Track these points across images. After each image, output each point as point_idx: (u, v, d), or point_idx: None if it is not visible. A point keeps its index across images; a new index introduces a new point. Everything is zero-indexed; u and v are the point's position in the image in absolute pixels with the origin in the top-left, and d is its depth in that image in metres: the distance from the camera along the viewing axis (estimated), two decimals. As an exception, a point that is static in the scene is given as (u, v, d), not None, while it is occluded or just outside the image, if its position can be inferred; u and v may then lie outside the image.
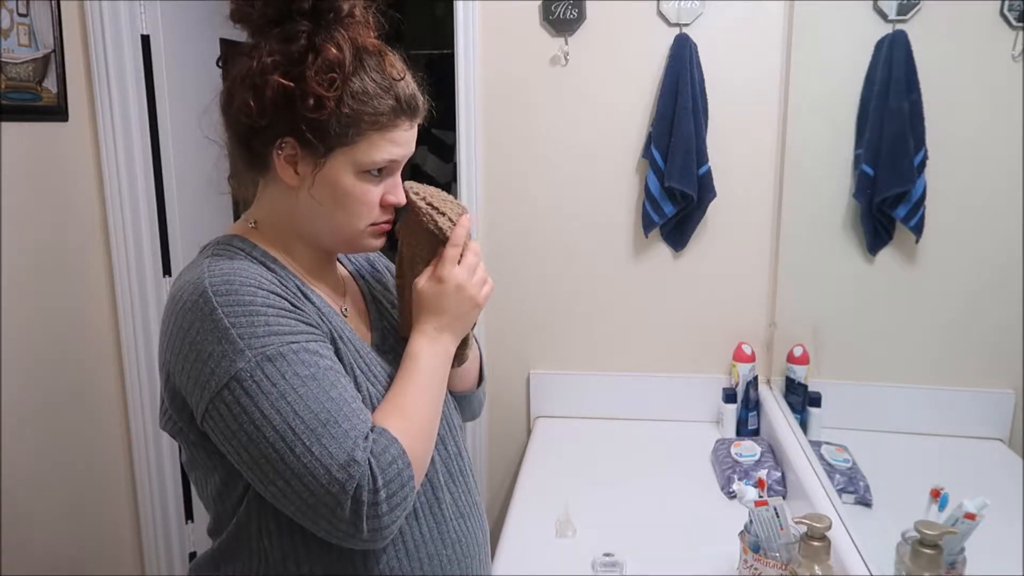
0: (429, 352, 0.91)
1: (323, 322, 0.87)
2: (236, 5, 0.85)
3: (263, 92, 0.82)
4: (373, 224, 0.90)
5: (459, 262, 0.92)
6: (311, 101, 0.81)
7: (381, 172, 0.88)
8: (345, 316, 0.95)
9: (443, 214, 0.93)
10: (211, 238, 0.93)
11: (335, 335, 0.88)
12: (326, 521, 0.77)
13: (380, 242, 0.94)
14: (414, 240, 0.95)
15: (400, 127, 0.86)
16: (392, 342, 0.99)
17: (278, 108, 0.82)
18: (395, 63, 0.87)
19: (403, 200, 0.92)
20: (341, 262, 1.04)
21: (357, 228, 0.89)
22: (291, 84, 0.81)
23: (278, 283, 0.84)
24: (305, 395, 0.78)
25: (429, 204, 0.93)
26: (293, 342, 0.80)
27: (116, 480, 2.02)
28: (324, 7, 0.83)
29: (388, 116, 0.85)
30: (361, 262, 1.09)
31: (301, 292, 0.88)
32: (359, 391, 0.86)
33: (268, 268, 0.87)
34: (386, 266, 1.11)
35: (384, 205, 0.90)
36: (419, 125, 0.91)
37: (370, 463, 0.77)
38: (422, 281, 0.93)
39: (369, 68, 0.84)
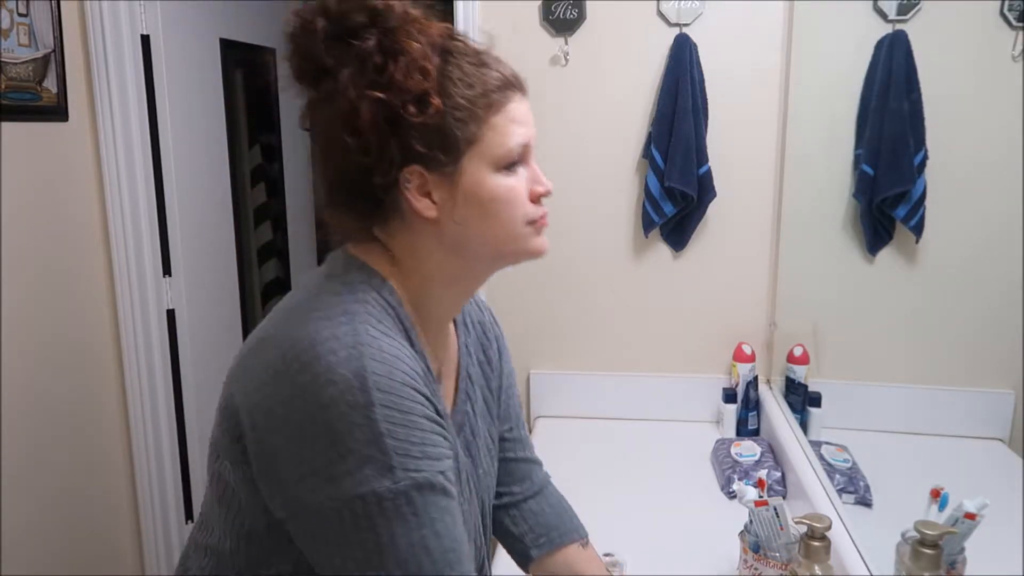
0: None
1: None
2: (298, 56, 0.75)
3: (359, 119, 0.72)
4: (530, 222, 0.80)
5: None
6: (412, 106, 0.72)
7: (517, 163, 0.79)
8: (438, 381, 0.85)
9: None
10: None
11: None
12: None
13: (543, 241, 0.83)
14: None
15: (514, 100, 0.78)
16: (463, 419, 0.90)
17: (382, 129, 0.73)
18: (474, 42, 0.79)
19: (549, 187, 0.82)
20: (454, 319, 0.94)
21: (518, 230, 0.79)
22: (382, 94, 0.72)
23: (422, 374, 0.75)
24: (440, 531, 0.71)
25: None
26: (441, 471, 0.73)
27: (116, 480, 2.02)
28: (381, 13, 0.74)
29: (499, 92, 0.77)
30: (474, 326, 0.98)
31: (430, 373, 0.79)
32: None
33: (410, 340, 0.78)
34: (500, 348, 1.01)
35: (533, 199, 0.80)
36: None
37: None
38: None
39: (456, 52, 0.76)
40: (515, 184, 0.78)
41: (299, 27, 0.74)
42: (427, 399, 0.74)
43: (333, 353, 0.69)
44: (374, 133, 0.73)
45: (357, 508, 0.68)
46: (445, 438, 0.75)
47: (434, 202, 0.77)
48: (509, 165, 0.78)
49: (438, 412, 0.76)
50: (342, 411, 0.68)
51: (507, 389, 1.01)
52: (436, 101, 0.73)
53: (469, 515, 0.85)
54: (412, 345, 0.77)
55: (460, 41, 0.78)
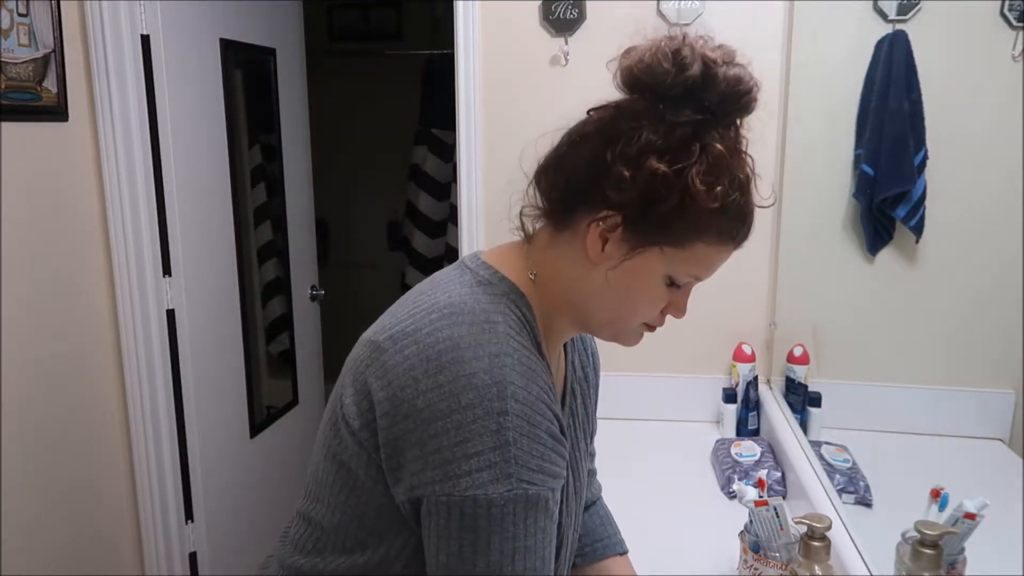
0: None
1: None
2: (638, 75, 0.79)
3: (640, 167, 0.74)
4: (646, 325, 0.85)
5: None
6: (678, 197, 0.73)
7: (681, 285, 0.82)
8: None
9: None
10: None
11: None
12: None
13: (638, 341, 0.87)
14: None
15: (729, 247, 0.79)
16: (568, 433, 0.91)
17: (646, 186, 0.74)
18: (758, 191, 0.79)
19: (683, 315, 0.86)
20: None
21: (634, 324, 0.84)
22: (670, 172, 0.73)
23: (552, 391, 0.78)
24: (531, 547, 0.74)
25: None
26: (551, 489, 0.76)
27: (116, 480, 2.02)
28: (730, 110, 0.76)
29: (727, 233, 0.77)
30: (577, 342, 1.01)
31: (553, 389, 0.81)
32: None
33: (540, 355, 0.80)
34: (595, 366, 1.03)
35: (663, 312, 0.84)
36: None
37: None
38: None
39: (738, 184, 0.76)
40: (666, 297, 0.82)
41: (661, 55, 0.80)
42: (556, 417, 0.77)
43: (477, 359, 0.73)
44: (639, 184, 0.74)
45: (467, 508, 0.72)
46: (563, 457, 0.78)
47: (603, 251, 0.78)
48: (675, 281, 0.80)
49: (562, 431, 0.78)
50: (477, 414, 0.71)
51: (595, 404, 1.04)
52: (698, 209, 0.74)
53: (568, 528, 0.87)
54: (544, 365, 0.79)
55: (752, 181, 0.78)
